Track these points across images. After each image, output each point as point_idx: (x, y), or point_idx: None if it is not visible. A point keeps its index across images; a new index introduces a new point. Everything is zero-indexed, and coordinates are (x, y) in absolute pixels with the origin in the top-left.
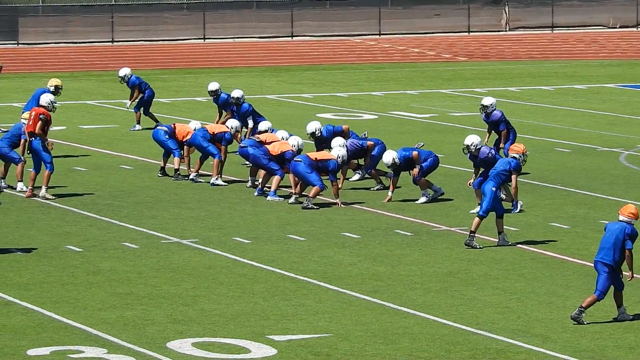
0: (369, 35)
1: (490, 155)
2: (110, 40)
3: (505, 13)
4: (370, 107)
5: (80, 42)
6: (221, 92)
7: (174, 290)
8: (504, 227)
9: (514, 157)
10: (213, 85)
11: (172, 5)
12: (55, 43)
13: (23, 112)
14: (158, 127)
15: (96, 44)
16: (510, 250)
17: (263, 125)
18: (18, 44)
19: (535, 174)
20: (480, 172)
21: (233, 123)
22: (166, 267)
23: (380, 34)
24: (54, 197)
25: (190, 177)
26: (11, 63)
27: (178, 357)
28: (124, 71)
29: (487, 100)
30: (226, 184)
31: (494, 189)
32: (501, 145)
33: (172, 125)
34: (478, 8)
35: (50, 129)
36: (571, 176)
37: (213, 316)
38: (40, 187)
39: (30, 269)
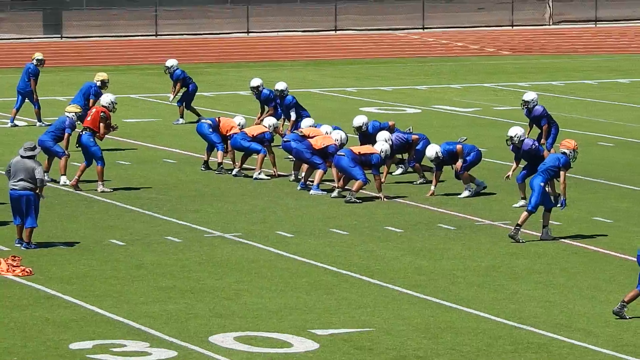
0: (412, 29)
1: (533, 147)
2: (154, 34)
3: (549, 7)
4: (414, 101)
5: (124, 36)
6: (263, 88)
7: (216, 284)
8: (552, 220)
9: (564, 153)
10: (255, 82)
11: None
12: (99, 37)
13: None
14: (202, 121)
15: (140, 37)
16: (553, 245)
17: (306, 123)
18: (62, 37)
19: (578, 168)
20: (522, 165)
21: (270, 121)
22: (209, 261)
23: (423, 28)
24: (111, 190)
25: (234, 172)
26: (55, 57)
27: (220, 351)
28: (171, 62)
29: (529, 96)
30: (269, 177)
31: (542, 184)
32: (542, 140)
33: (217, 119)
34: (522, 2)
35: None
36: (614, 170)
37: (255, 310)
38: (97, 182)
39: (73, 262)
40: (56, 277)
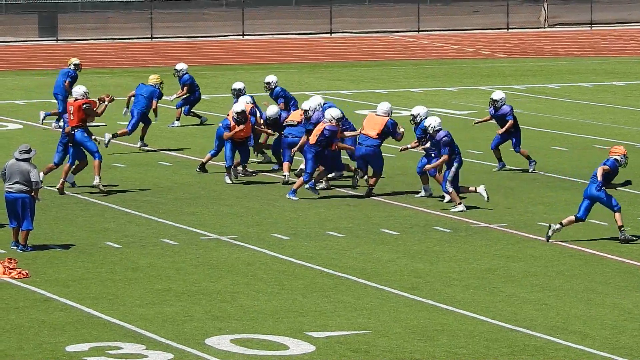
0: (407, 32)
1: (445, 139)
2: (150, 36)
3: (544, 10)
4: (409, 104)
5: (119, 39)
6: (276, 85)
7: (212, 286)
8: (555, 223)
9: (615, 159)
10: (269, 78)
11: (211, 2)
12: (94, 39)
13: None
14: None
15: (135, 40)
16: (549, 247)
17: (271, 111)
18: (57, 40)
19: (573, 170)
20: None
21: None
22: (205, 263)
23: (419, 31)
24: (105, 193)
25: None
26: (50, 59)
27: (217, 353)
28: (181, 66)
29: (497, 95)
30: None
31: (600, 190)
32: (500, 130)
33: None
34: (517, 5)
35: (91, 124)
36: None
37: (252, 312)
38: (95, 175)
39: (69, 265)
40: (52, 280)
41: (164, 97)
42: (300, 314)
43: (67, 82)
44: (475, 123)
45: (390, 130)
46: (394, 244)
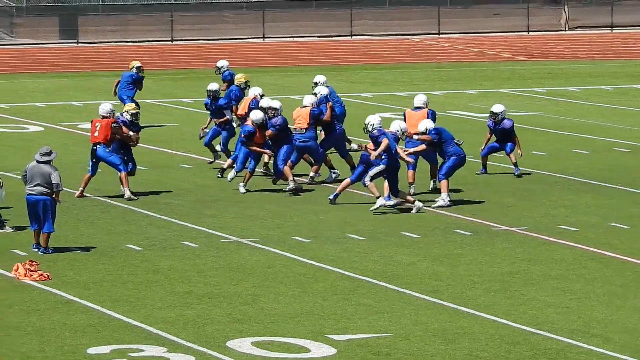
0: (428, 34)
1: (379, 139)
2: (170, 39)
3: (565, 12)
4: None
5: (139, 41)
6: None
7: (233, 289)
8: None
9: None
10: (318, 78)
11: (232, 4)
12: (114, 42)
13: (126, 102)
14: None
15: (155, 43)
16: (570, 250)
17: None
18: (78, 42)
19: (594, 173)
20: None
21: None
22: (226, 266)
23: (439, 34)
24: (136, 198)
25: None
26: (71, 62)
27: (238, 356)
28: (222, 63)
29: (498, 108)
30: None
31: None
32: (519, 151)
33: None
34: (537, 7)
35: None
36: (630, 176)
37: (273, 315)
38: (124, 188)
39: (90, 267)
40: (73, 282)
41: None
42: (321, 316)
43: (135, 85)
44: (482, 152)
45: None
46: (414, 246)
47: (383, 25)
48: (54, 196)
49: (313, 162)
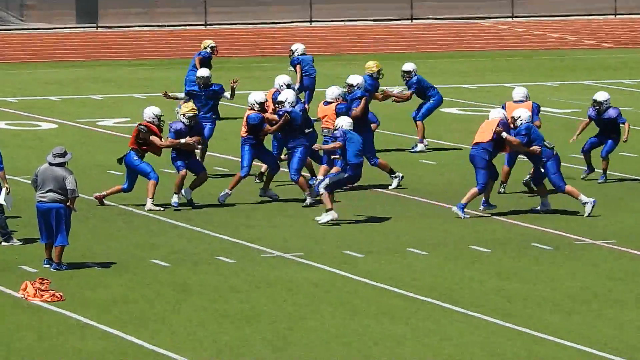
0: (500, 18)
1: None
2: (203, 23)
3: None
4: (501, 101)
5: (167, 26)
6: (415, 75)
7: (274, 310)
8: None
9: None
10: (408, 66)
11: None
12: (139, 27)
13: (182, 102)
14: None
15: (186, 27)
16: None
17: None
18: (97, 27)
19: None
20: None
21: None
22: (265, 283)
23: (513, 17)
24: (162, 209)
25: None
26: (89, 49)
27: None
28: (296, 46)
29: (602, 96)
30: None
31: None
32: (624, 137)
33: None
34: None
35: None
36: None
37: (318, 340)
38: (147, 198)
39: (110, 286)
40: (90, 303)
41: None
42: (374, 341)
43: (197, 58)
44: (572, 140)
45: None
46: (484, 262)
47: (448, 7)
48: (68, 204)
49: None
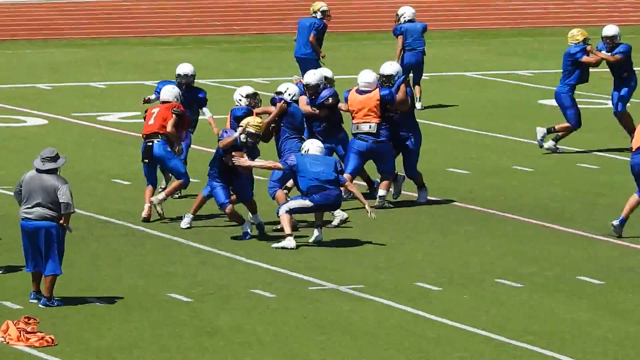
0: None
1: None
2: None
3: None
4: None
5: None
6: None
7: (326, 357)
8: None
9: None
10: (611, 30)
11: None
12: None
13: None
14: None
15: None
16: None
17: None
18: None
19: None
20: None
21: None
22: (315, 324)
23: None
24: (160, 214)
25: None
26: (89, 24)
27: None
28: (404, 10)
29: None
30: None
31: None
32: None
33: None
34: None
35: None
36: None
37: None
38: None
39: (115, 327)
40: (90, 349)
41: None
42: None
43: (312, 35)
44: None
45: None
46: (596, 297)
47: None
48: (61, 221)
49: (380, 173)
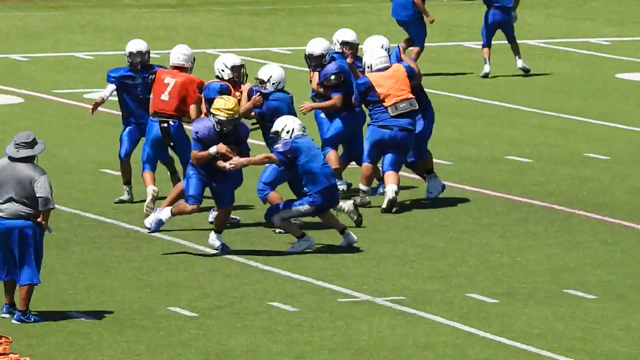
0: None
1: None
2: None
3: None
4: None
5: None
6: None
7: None
8: None
9: None
10: None
11: None
12: None
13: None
14: None
15: None
16: None
17: None
18: None
19: None
20: None
21: None
22: (346, 345)
23: None
24: (149, 211)
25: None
26: None
27: None
28: None
29: None
30: None
31: None
32: None
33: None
34: None
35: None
36: None
37: None
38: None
39: (105, 348)
40: None
41: None
42: None
43: None
44: None
45: None
46: None
47: None
48: (39, 220)
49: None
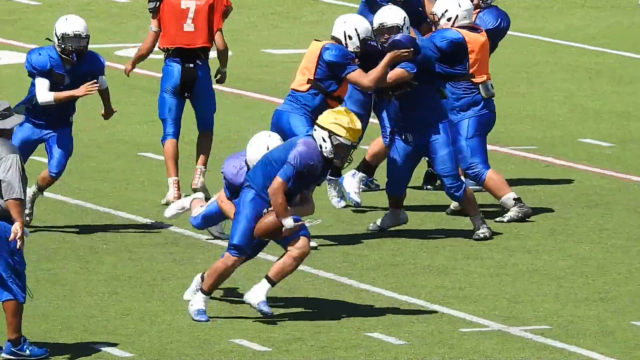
0: None
1: None
2: None
3: None
4: None
5: None
6: None
7: None
8: None
9: None
10: None
11: None
12: None
13: None
14: None
15: None
16: None
17: None
18: None
19: None
20: None
21: None
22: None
23: None
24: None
25: None
26: None
27: None
28: None
29: None
30: None
31: None
32: None
33: None
34: None
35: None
36: None
37: None
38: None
39: None
40: None
41: None
42: None
43: None
44: None
45: None
46: None
47: None
48: (17, 224)
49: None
